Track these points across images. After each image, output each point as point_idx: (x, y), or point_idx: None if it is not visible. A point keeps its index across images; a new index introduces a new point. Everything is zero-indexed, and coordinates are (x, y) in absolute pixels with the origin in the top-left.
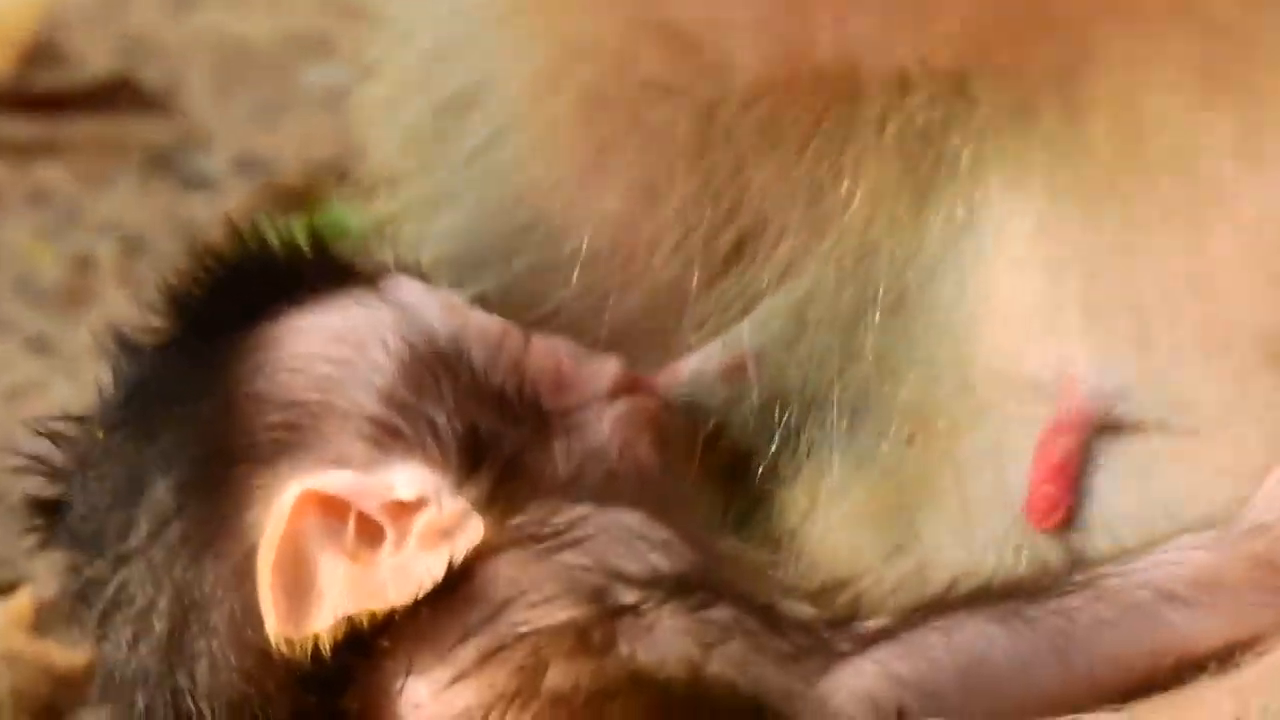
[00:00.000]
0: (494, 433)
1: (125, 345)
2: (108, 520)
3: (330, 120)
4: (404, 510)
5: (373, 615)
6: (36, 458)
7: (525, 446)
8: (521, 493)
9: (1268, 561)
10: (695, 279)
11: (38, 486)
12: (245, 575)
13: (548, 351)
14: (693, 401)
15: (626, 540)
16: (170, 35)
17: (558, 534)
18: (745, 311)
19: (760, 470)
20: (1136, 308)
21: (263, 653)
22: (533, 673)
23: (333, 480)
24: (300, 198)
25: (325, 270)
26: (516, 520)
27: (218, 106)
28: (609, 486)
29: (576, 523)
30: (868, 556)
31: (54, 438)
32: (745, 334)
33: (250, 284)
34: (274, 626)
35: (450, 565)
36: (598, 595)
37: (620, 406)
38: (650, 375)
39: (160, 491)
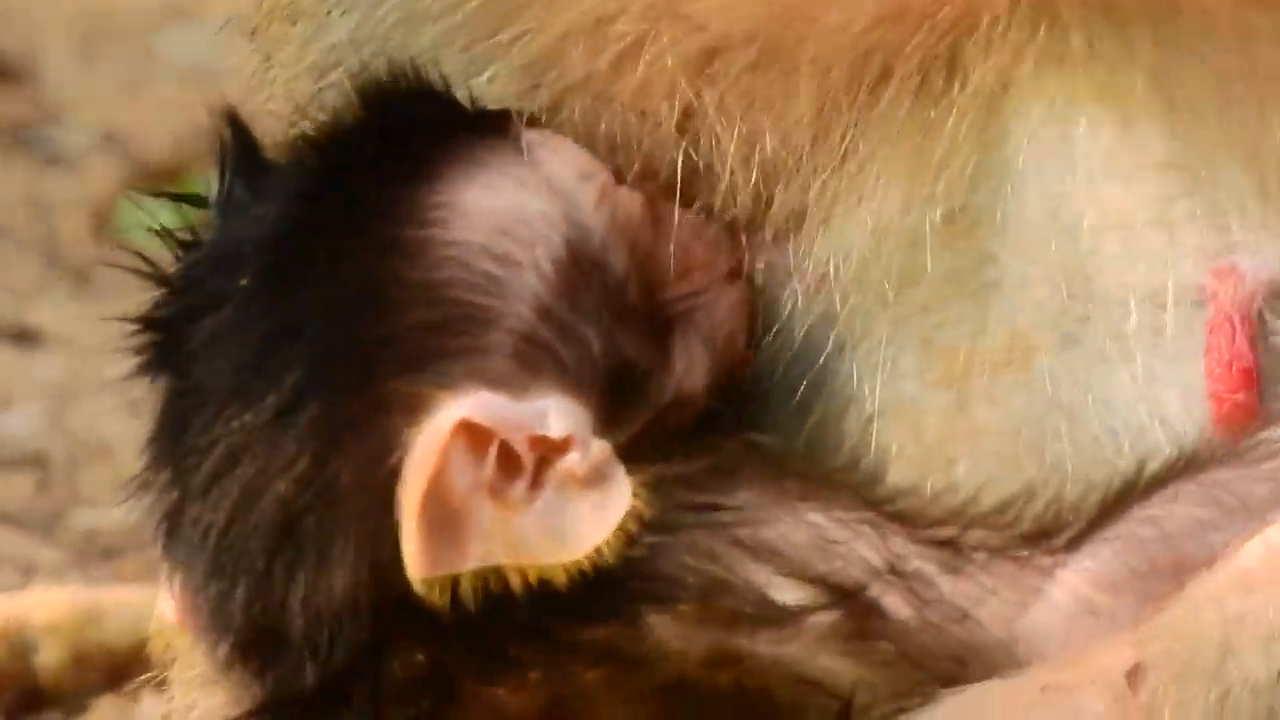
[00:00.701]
0: (635, 356)
1: (259, 172)
2: (227, 375)
3: (195, 91)
4: (549, 447)
5: (520, 570)
6: (159, 273)
7: (656, 365)
8: (661, 440)
9: None
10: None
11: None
12: (383, 495)
13: (677, 231)
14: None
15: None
16: (27, 2)
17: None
18: (823, 223)
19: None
20: (1263, 188)
21: (390, 586)
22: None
23: (487, 408)
24: (166, 173)
25: (465, 113)
26: (657, 473)
27: (78, 78)
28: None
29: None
30: (1002, 481)
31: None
32: (824, 248)
33: (398, 117)
34: (415, 563)
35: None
36: (746, 594)
37: (734, 293)
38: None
39: (298, 362)
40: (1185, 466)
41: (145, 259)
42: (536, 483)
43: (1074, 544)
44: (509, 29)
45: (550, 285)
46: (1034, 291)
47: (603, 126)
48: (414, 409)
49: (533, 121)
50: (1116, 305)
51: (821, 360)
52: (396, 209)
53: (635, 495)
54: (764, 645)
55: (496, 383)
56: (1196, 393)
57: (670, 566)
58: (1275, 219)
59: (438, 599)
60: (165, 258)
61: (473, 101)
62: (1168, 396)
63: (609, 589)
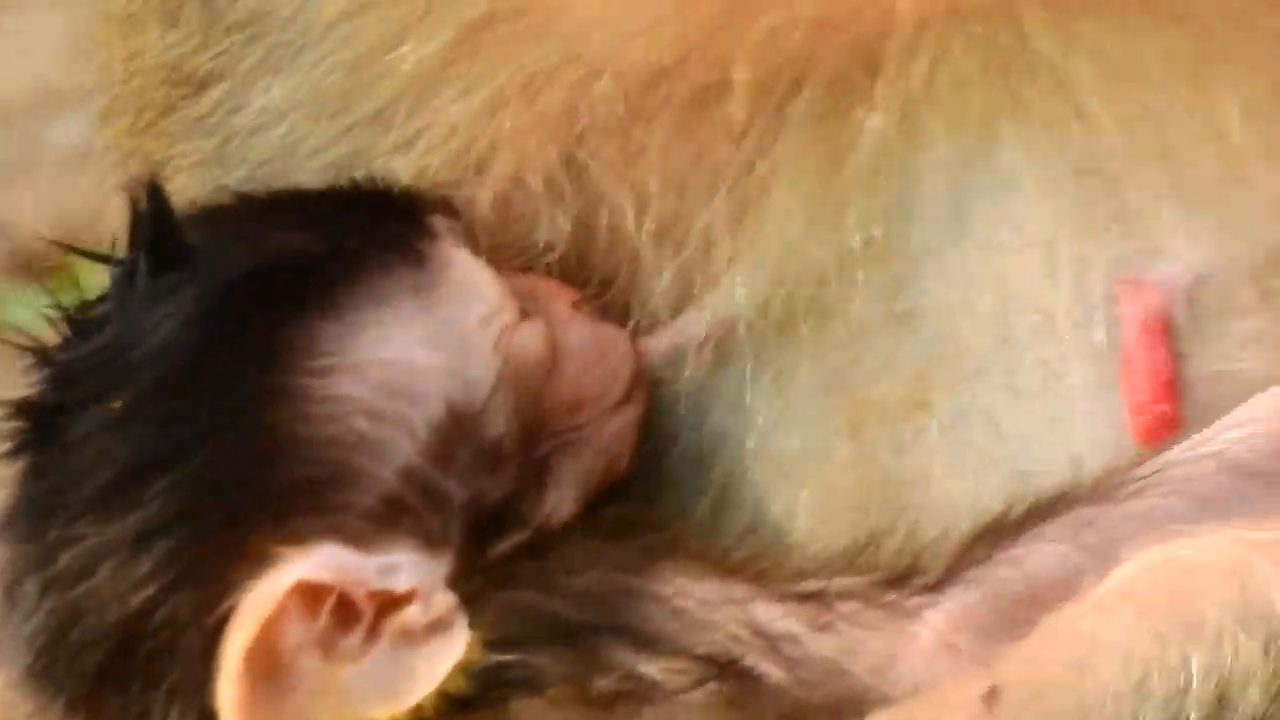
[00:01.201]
0: (504, 500)
1: (167, 261)
2: (97, 482)
3: (74, 180)
4: (390, 601)
5: None
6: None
7: (527, 503)
8: (514, 576)
9: None
10: (653, 251)
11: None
12: (215, 640)
13: (570, 366)
14: (667, 377)
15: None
16: None
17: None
18: (708, 283)
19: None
20: (1178, 189)
21: None
22: None
23: (330, 564)
24: (41, 262)
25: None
26: (503, 607)
27: None
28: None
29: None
30: (879, 516)
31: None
32: (715, 305)
33: (311, 236)
34: (231, 714)
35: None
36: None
37: (622, 418)
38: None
39: (166, 492)
40: (1052, 505)
41: (28, 344)
42: (373, 634)
43: (939, 586)
44: (434, 103)
45: (422, 447)
46: (949, 318)
47: (512, 207)
48: (259, 560)
49: (450, 209)
50: (1035, 324)
51: (724, 416)
52: (290, 351)
53: (477, 638)
54: None
55: (348, 538)
56: (1116, 411)
57: (536, 661)
58: (1191, 222)
59: None
60: (49, 340)
61: (403, 213)
62: (1086, 419)
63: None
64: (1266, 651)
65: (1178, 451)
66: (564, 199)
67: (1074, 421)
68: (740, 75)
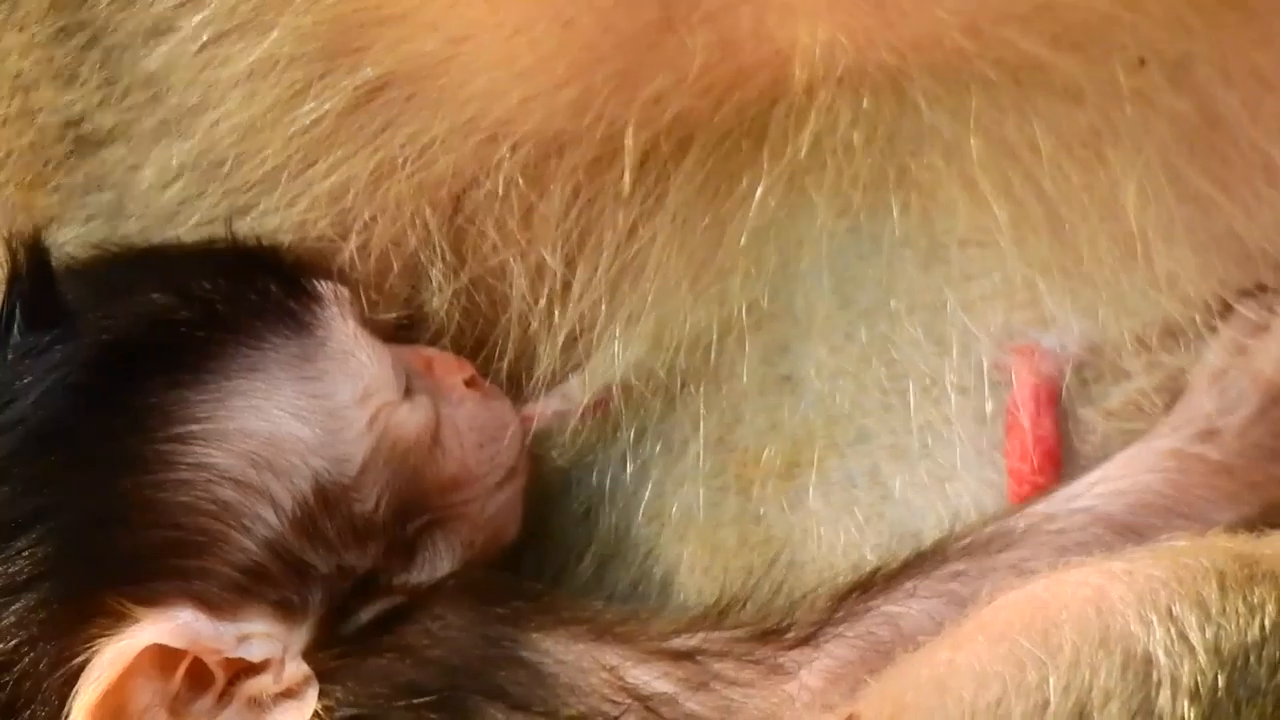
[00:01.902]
0: (370, 572)
1: (44, 317)
2: None
3: None
4: (243, 668)
5: None
6: None
7: (396, 573)
8: (376, 643)
9: (1225, 469)
10: (540, 317)
11: None
12: (67, 694)
13: (454, 445)
14: (552, 440)
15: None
16: None
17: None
18: (599, 342)
19: (623, 506)
20: (1073, 259)
21: None
22: None
23: (185, 630)
24: None
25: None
26: (362, 675)
27: None
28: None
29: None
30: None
31: None
32: (602, 369)
33: (194, 298)
34: None
35: None
36: None
37: (506, 492)
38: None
39: (29, 550)
40: (925, 558)
41: None
42: (223, 699)
43: (813, 640)
44: (323, 164)
45: (286, 520)
46: (834, 382)
47: (397, 274)
48: (115, 620)
49: (335, 274)
50: (921, 389)
51: (608, 477)
52: (157, 416)
53: (327, 707)
54: None
55: (206, 604)
56: (998, 473)
57: None
58: (1082, 291)
59: None
60: None
61: (286, 277)
62: (968, 482)
63: None
64: (1125, 670)
65: (1047, 504)
66: (453, 266)
67: (956, 483)
68: (629, 140)
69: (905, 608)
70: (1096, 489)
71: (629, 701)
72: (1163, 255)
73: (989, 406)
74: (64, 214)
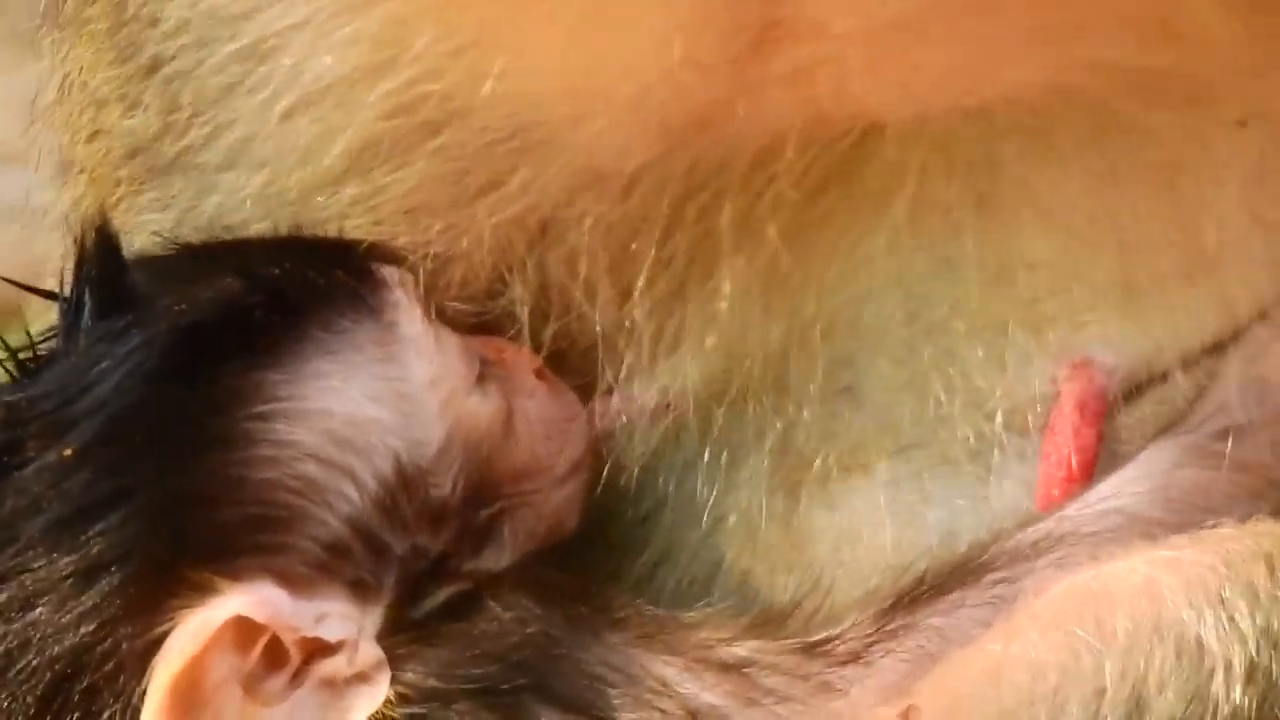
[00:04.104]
0: (443, 555)
1: (116, 304)
2: (43, 518)
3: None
4: (318, 648)
5: None
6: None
7: (466, 558)
8: (441, 634)
9: (1247, 466)
10: (616, 313)
11: None
12: (144, 666)
13: (524, 435)
14: (618, 444)
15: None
16: None
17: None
18: (672, 349)
19: (682, 510)
20: (1128, 283)
21: None
22: None
23: (266, 606)
24: None
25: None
26: (427, 663)
27: None
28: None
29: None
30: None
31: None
32: (670, 375)
33: (267, 289)
34: None
35: None
36: None
37: (565, 490)
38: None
39: (111, 532)
40: (967, 567)
41: None
42: (297, 679)
43: (862, 657)
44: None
45: (367, 497)
46: (890, 396)
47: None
48: (199, 593)
49: (402, 261)
50: (971, 406)
51: (668, 481)
52: (241, 398)
53: (397, 693)
54: None
55: (287, 581)
56: (1034, 489)
57: (457, 717)
58: (1137, 314)
59: None
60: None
61: (355, 264)
62: (1008, 494)
63: None
64: (1179, 657)
65: (1079, 505)
66: (531, 272)
67: (998, 490)
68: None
69: (952, 619)
70: (1126, 489)
71: (679, 712)
72: (1231, 281)
73: (1037, 421)
74: (136, 227)
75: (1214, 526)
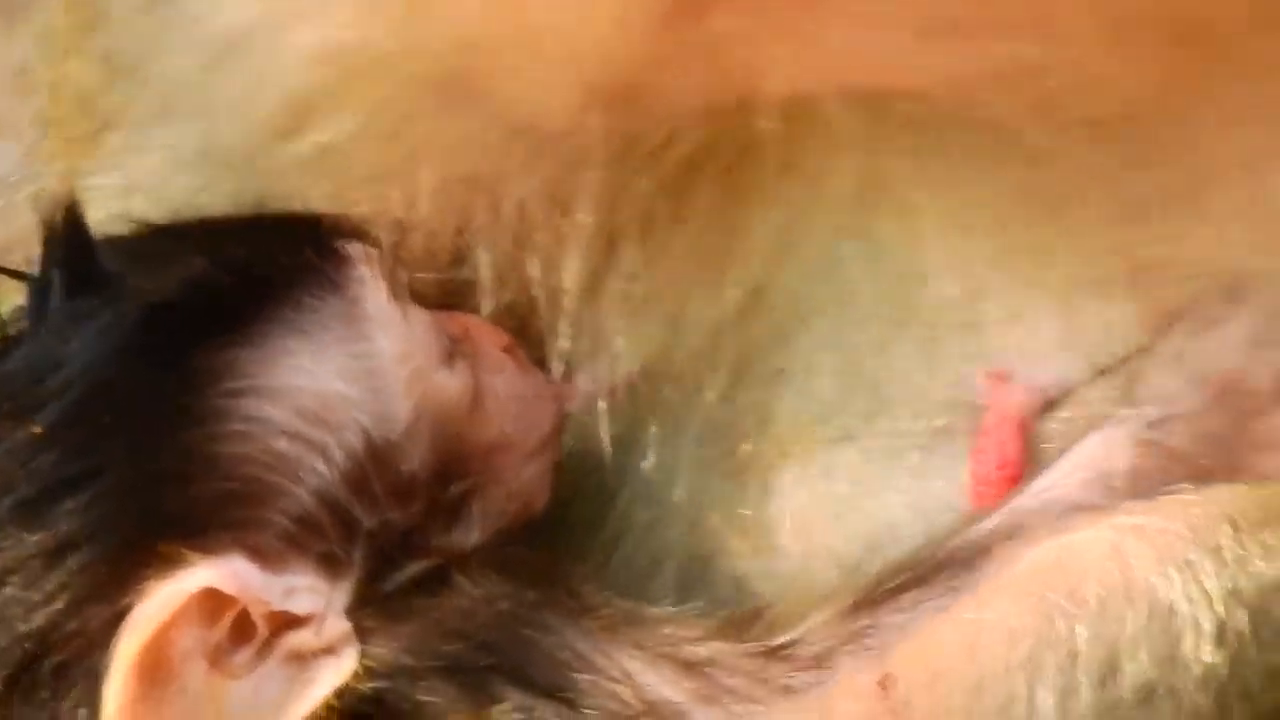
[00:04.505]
0: (411, 530)
1: (85, 283)
2: (10, 497)
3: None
4: (286, 622)
5: None
6: None
7: (434, 534)
8: (408, 610)
9: (1179, 455)
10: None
11: None
12: (111, 637)
13: (493, 411)
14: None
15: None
16: None
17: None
18: (613, 327)
19: (632, 491)
20: (1053, 289)
21: None
22: None
23: (236, 578)
24: None
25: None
26: (394, 639)
27: None
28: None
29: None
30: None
31: None
32: (617, 355)
33: (231, 263)
34: (112, 709)
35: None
36: None
37: (539, 462)
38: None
39: (80, 511)
40: (923, 567)
41: None
42: (263, 652)
43: (825, 661)
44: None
45: (337, 472)
46: (820, 382)
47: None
48: (169, 566)
49: (367, 236)
50: (901, 401)
51: (620, 462)
52: (212, 376)
53: (364, 667)
54: None
55: (257, 555)
56: (963, 495)
57: (423, 693)
58: (1064, 318)
59: None
60: None
61: (321, 241)
62: (941, 489)
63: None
64: (1150, 619)
65: (1021, 500)
66: (482, 236)
67: (929, 485)
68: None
69: (914, 615)
70: (1066, 479)
71: (637, 703)
72: (1154, 284)
73: (967, 422)
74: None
75: (1174, 493)
